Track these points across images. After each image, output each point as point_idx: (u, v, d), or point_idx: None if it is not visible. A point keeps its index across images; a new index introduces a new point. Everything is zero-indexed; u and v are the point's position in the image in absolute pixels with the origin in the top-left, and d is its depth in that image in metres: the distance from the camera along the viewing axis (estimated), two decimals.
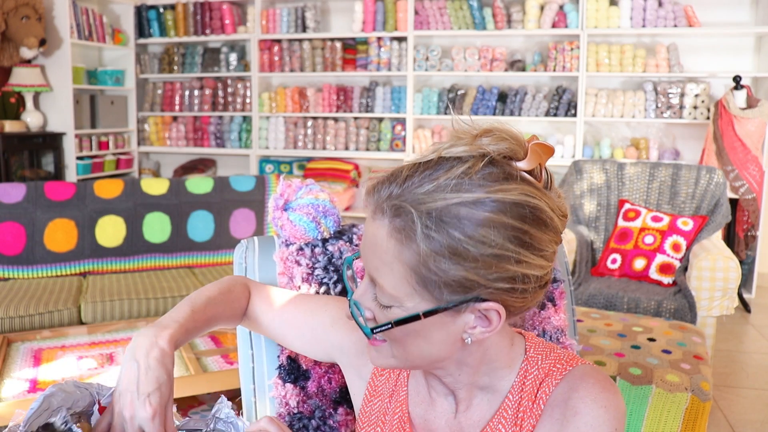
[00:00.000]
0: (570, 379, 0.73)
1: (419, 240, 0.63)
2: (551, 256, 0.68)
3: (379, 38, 4.76)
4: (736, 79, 3.89)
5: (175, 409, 0.78)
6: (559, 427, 0.71)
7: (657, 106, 4.34)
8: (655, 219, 3.01)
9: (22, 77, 4.31)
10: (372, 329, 0.69)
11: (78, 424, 0.73)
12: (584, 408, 0.70)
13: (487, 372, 0.75)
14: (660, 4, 4.24)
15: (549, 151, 0.68)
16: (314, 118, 5.01)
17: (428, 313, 0.66)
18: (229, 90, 5.13)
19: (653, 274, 2.89)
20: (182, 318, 0.81)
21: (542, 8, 4.42)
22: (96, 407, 0.77)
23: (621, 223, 3.09)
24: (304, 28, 4.89)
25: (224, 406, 0.80)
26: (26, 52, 4.17)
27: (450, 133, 0.68)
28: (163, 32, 5.18)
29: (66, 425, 0.70)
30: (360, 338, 0.87)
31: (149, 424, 0.70)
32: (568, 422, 0.70)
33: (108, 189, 3.18)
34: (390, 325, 0.67)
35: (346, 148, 4.94)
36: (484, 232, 0.63)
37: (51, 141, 4.48)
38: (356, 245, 1.09)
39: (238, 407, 0.97)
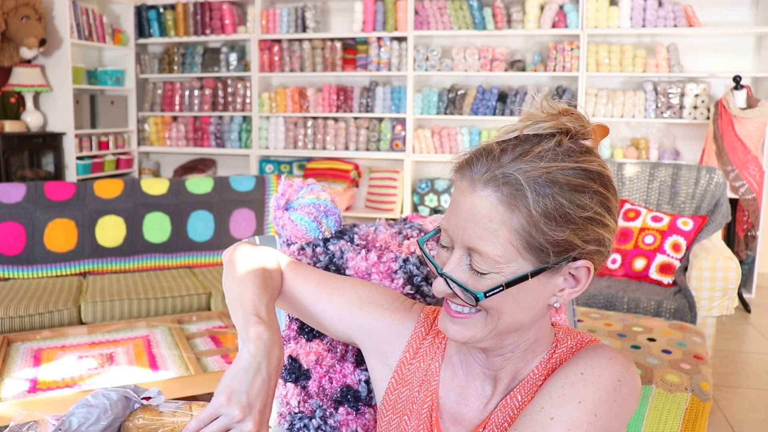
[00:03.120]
0: (585, 348, 0.78)
1: (531, 205, 0.68)
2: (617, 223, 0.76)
3: (379, 38, 4.75)
4: (736, 79, 3.89)
5: None
6: (561, 372, 0.74)
7: (657, 106, 4.34)
8: (655, 219, 3.01)
9: (22, 77, 4.31)
10: (485, 293, 0.70)
11: None
12: (587, 356, 0.74)
13: (528, 353, 0.79)
14: (660, 4, 4.24)
15: (605, 131, 0.77)
16: (314, 118, 5.01)
17: (535, 273, 0.70)
18: (229, 90, 5.13)
19: (653, 274, 2.89)
20: (276, 319, 0.81)
21: (542, 8, 4.42)
22: (136, 405, 0.77)
23: (621, 223, 3.09)
24: (304, 28, 4.89)
25: None
26: (26, 52, 4.17)
27: (525, 114, 0.73)
28: (163, 32, 5.18)
29: None
30: (390, 324, 0.89)
31: None
32: (568, 365, 0.74)
33: (108, 189, 3.18)
34: (501, 288, 0.70)
35: (346, 148, 4.94)
36: (580, 197, 0.69)
37: (51, 141, 4.48)
38: (357, 245, 1.09)
39: None
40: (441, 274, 0.74)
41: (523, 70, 4.52)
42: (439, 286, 0.74)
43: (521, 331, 0.77)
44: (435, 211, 4.73)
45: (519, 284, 0.70)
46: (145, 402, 0.78)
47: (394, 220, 1.19)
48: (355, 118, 4.96)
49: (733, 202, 3.90)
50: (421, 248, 0.77)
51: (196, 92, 5.21)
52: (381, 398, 0.89)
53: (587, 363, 0.73)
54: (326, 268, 1.07)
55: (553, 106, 0.73)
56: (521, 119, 0.73)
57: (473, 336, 0.75)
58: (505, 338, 0.77)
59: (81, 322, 2.65)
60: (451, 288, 0.73)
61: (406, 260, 1.07)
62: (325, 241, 1.09)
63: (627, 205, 3.15)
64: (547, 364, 0.79)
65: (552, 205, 0.68)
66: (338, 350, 1.05)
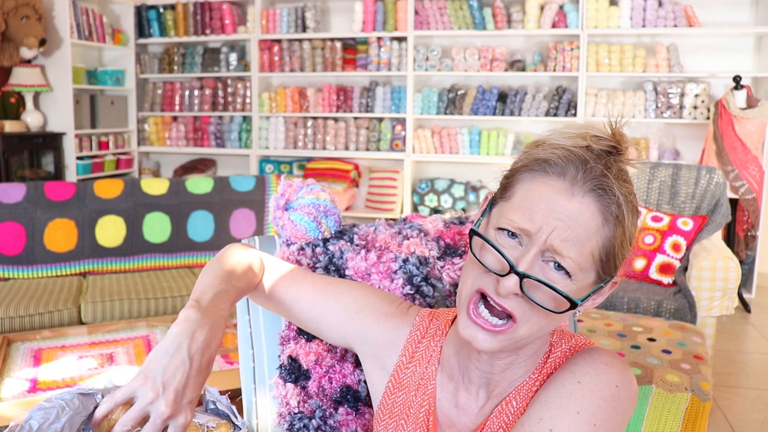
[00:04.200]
0: (580, 352, 0.77)
1: (626, 223, 0.70)
2: None
3: (379, 38, 4.75)
4: (736, 79, 3.89)
5: None
6: (557, 379, 0.73)
7: (657, 106, 4.34)
8: (655, 219, 3.01)
9: (22, 77, 4.31)
10: (582, 298, 0.70)
11: None
12: (584, 363, 0.73)
13: (529, 360, 0.79)
14: (660, 4, 4.24)
15: None
16: (314, 118, 5.01)
17: (606, 283, 0.72)
18: (229, 90, 5.13)
19: (653, 274, 2.89)
20: (225, 309, 0.79)
21: (542, 8, 4.42)
22: (99, 397, 0.77)
23: None
24: (304, 28, 4.88)
25: (209, 393, 0.80)
26: (26, 52, 4.17)
27: (588, 125, 0.73)
28: (163, 32, 5.18)
29: None
30: (386, 329, 0.88)
31: (180, 430, 0.68)
32: (564, 371, 0.73)
33: (108, 189, 3.18)
34: (590, 294, 0.71)
35: (346, 148, 4.94)
36: (636, 220, 0.73)
37: (51, 141, 4.48)
38: (357, 245, 1.09)
39: (238, 407, 0.97)
40: (520, 274, 0.69)
41: (523, 70, 4.52)
42: (510, 285, 0.69)
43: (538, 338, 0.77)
44: (435, 211, 4.73)
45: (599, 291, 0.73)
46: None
47: (393, 220, 1.19)
48: (355, 118, 4.96)
49: (733, 202, 3.89)
50: (487, 240, 0.71)
51: (196, 92, 5.21)
52: (378, 402, 0.88)
53: (584, 371, 0.72)
54: (326, 269, 1.06)
55: (614, 127, 0.73)
56: (584, 128, 0.73)
57: (502, 347, 0.73)
58: (521, 347, 0.77)
59: (81, 322, 2.65)
60: (523, 290, 0.69)
61: (405, 260, 1.07)
62: (325, 241, 1.09)
63: None
64: (542, 369, 0.78)
65: (632, 225, 0.71)
66: (338, 350, 1.05)
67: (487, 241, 0.71)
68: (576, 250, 0.68)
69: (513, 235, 0.71)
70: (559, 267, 0.69)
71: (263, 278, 0.94)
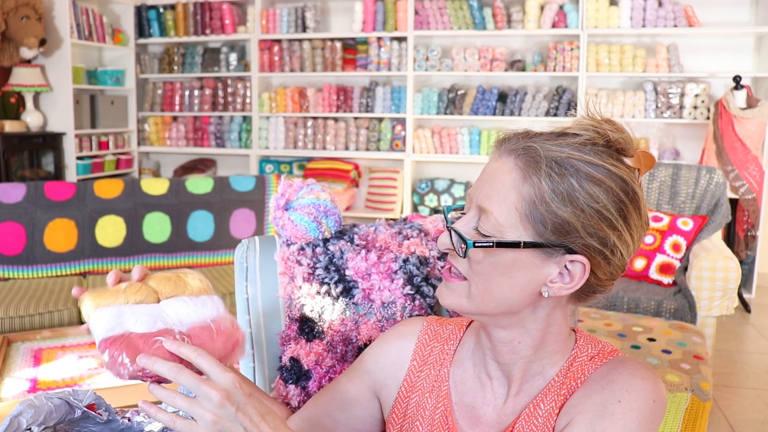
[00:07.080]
0: (611, 363, 0.78)
1: (542, 177, 0.71)
2: (637, 243, 0.75)
3: (379, 38, 4.75)
4: (736, 79, 3.89)
5: None
6: (597, 397, 0.74)
7: (657, 106, 4.34)
8: (655, 219, 3.01)
9: (22, 77, 4.31)
10: (474, 242, 0.73)
11: None
12: (621, 378, 0.75)
13: (543, 356, 0.79)
14: (660, 4, 4.24)
15: (650, 162, 0.77)
16: (314, 118, 5.01)
17: (528, 245, 0.72)
18: (229, 90, 5.13)
19: (653, 274, 2.89)
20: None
21: (542, 8, 4.42)
22: (79, 412, 0.77)
23: None
24: (304, 28, 4.88)
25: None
26: (26, 52, 4.17)
27: (576, 120, 0.77)
28: (163, 32, 5.18)
29: None
30: (390, 346, 0.90)
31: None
32: (603, 389, 0.75)
33: (108, 189, 3.18)
34: (491, 244, 0.72)
35: (346, 148, 4.94)
36: (594, 188, 0.71)
37: (51, 141, 4.48)
38: (357, 245, 1.09)
39: None
40: (448, 227, 0.77)
41: (523, 70, 4.52)
42: (442, 238, 0.78)
43: (518, 318, 0.76)
44: (435, 211, 4.73)
45: (510, 251, 0.72)
46: (87, 410, 0.78)
47: (394, 220, 1.19)
48: (355, 118, 4.95)
49: (733, 202, 3.89)
50: (444, 214, 0.81)
51: (196, 92, 5.21)
52: (390, 408, 0.89)
53: (622, 388, 0.74)
54: (326, 269, 1.07)
55: (598, 113, 0.76)
56: (572, 123, 0.76)
57: (460, 304, 0.77)
58: (499, 319, 0.77)
59: (81, 322, 2.64)
60: (452, 240, 0.76)
61: (406, 260, 1.07)
62: (325, 241, 1.09)
63: None
64: (568, 372, 0.79)
65: (562, 183, 0.71)
66: (338, 350, 1.05)
67: (445, 214, 0.81)
68: (496, 204, 0.73)
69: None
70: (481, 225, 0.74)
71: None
